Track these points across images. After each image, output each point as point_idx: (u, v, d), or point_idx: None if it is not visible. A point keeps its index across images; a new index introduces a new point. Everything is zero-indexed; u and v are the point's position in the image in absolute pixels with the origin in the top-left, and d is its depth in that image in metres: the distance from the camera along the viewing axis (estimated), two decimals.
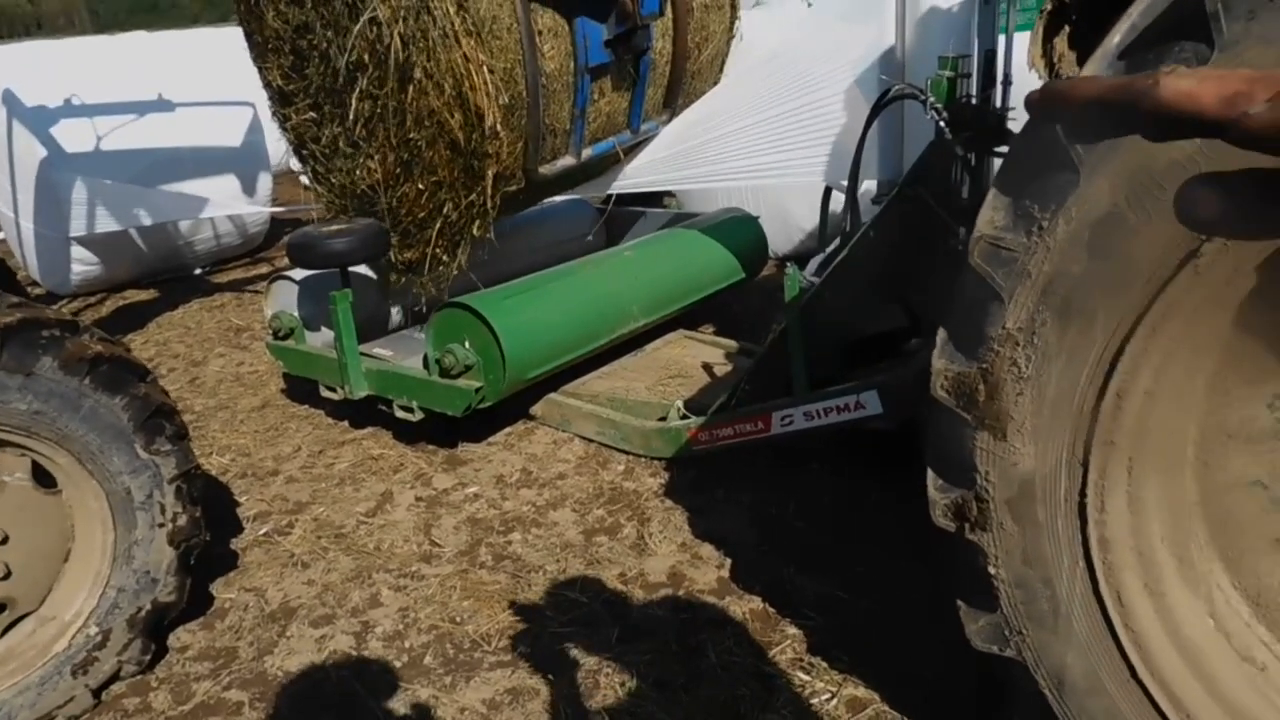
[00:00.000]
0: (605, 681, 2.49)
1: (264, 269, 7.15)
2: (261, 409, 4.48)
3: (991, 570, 1.77)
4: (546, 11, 3.73)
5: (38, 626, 2.51)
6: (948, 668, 2.35)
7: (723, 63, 4.71)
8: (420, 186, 3.83)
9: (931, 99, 3.01)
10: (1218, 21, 1.26)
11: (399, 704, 2.48)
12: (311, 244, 3.78)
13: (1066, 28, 1.64)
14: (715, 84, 4.71)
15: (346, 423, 4.21)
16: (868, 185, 4.30)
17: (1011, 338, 1.60)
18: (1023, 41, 2.54)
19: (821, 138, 4.24)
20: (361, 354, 3.93)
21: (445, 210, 3.86)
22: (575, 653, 2.61)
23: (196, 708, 2.53)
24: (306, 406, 4.42)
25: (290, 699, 2.53)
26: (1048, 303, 1.55)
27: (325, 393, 4.06)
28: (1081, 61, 1.51)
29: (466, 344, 3.63)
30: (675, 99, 4.50)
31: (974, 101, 3.21)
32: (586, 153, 4.22)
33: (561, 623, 2.75)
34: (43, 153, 5.94)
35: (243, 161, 6.95)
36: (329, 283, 3.91)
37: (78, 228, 5.95)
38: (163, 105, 6.60)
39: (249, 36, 4.26)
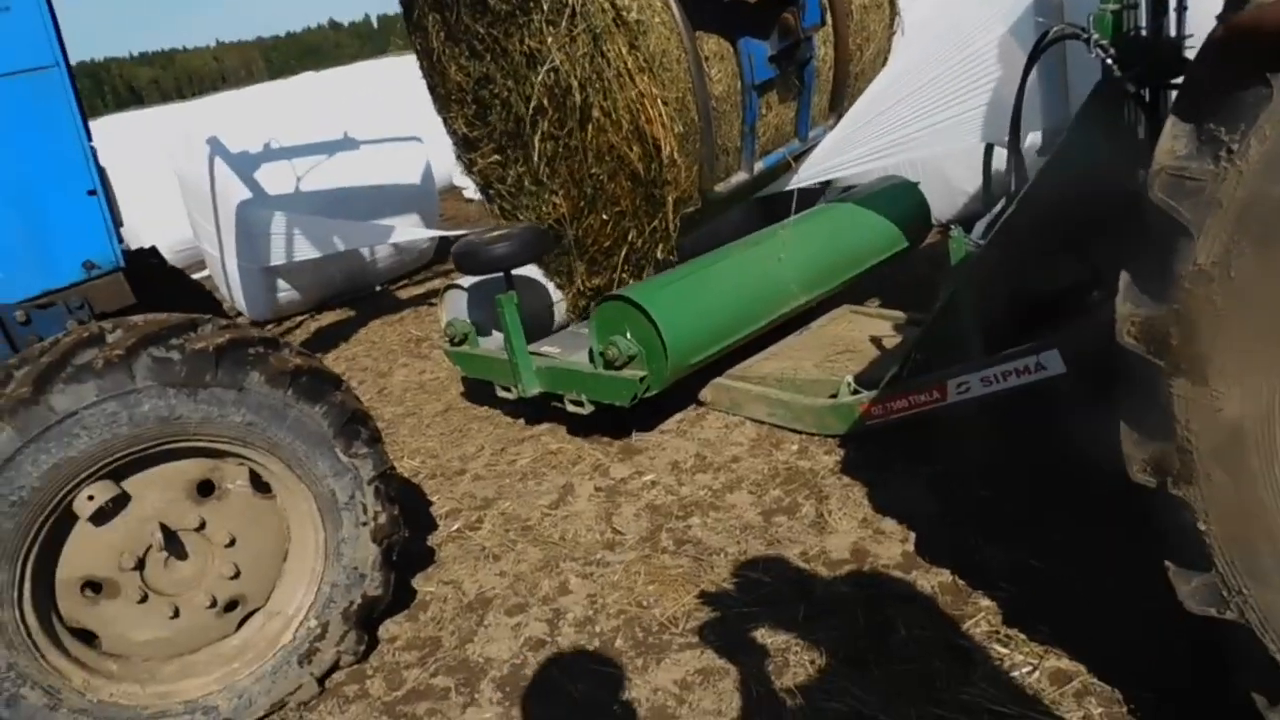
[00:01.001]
0: (794, 659, 2.48)
1: (437, 282, 7.50)
2: (445, 413, 4.72)
3: (1202, 526, 1.65)
4: (711, 37, 3.86)
5: (266, 621, 2.75)
6: (1157, 636, 2.21)
7: (885, 58, 4.69)
8: (604, 217, 4.04)
9: (1095, 36, 2.82)
10: None
11: (594, 686, 2.56)
12: (474, 251, 3.97)
13: None
14: None
15: (524, 421, 4.37)
16: (1032, 138, 4.09)
17: (1205, 274, 1.49)
18: None
19: (977, 95, 4.06)
20: (531, 353, 4.08)
21: (630, 237, 4.05)
22: (762, 632, 2.61)
23: (408, 693, 2.70)
24: (486, 408, 4.62)
25: (492, 684, 2.66)
26: (1244, 231, 1.43)
27: (501, 393, 4.24)
28: None
29: (628, 335, 3.70)
30: (841, 102, 4.54)
31: (1144, 33, 2.99)
32: (758, 166, 4.31)
33: (746, 603, 2.77)
34: (240, 194, 6.49)
35: (412, 188, 7.36)
36: (496, 287, 4.08)
37: (273, 259, 6.46)
38: (340, 143, 7.08)
39: (432, 90, 4.61)
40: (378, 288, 7.48)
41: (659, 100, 3.58)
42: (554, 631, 2.84)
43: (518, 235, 3.99)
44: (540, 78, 3.77)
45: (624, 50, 3.50)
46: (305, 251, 6.54)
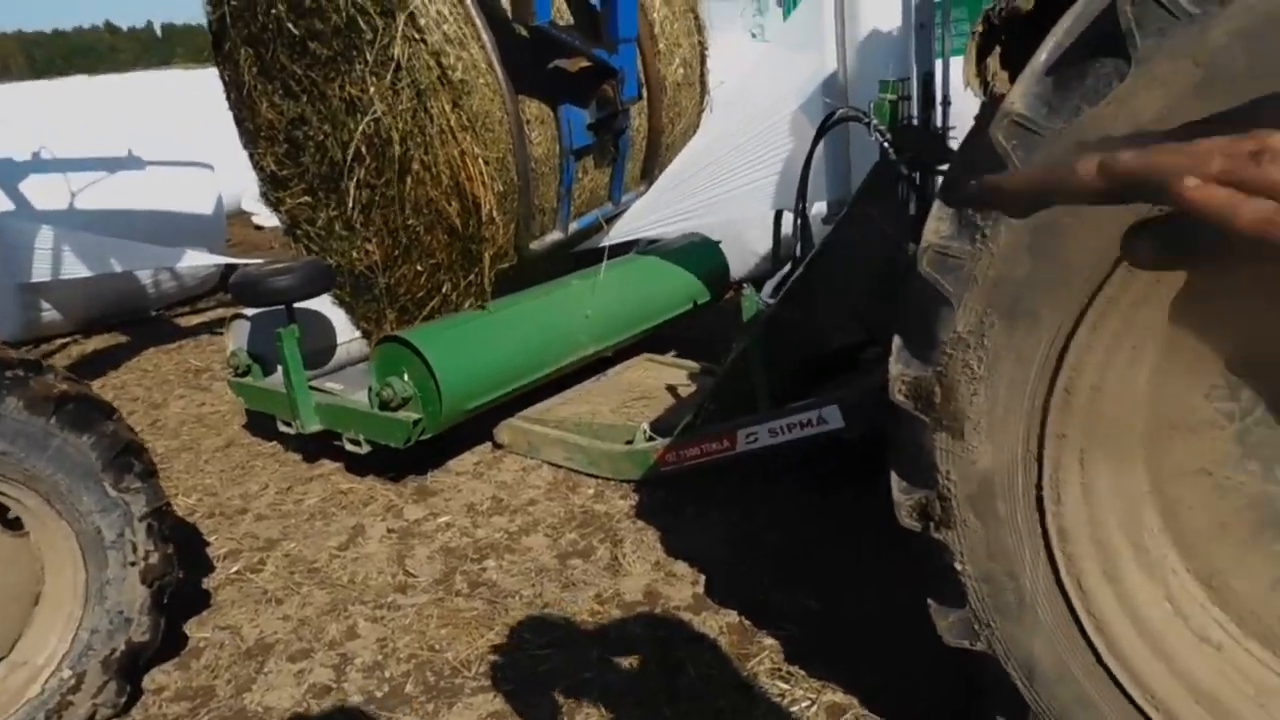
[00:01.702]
0: (587, 700, 2.52)
1: (220, 311, 7.11)
2: (226, 448, 4.46)
3: (958, 566, 1.84)
4: (533, 101, 3.95)
5: (9, 672, 2.48)
6: (923, 671, 2.42)
7: (694, 131, 4.95)
8: (419, 268, 4.04)
9: (874, 121, 3.12)
10: (1132, 39, 1.36)
11: None
12: (253, 283, 3.82)
13: (998, 48, 1.74)
14: None
15: (314, 459, 4.20)
16: (818, 207, 4.42)
17: (963, 340, 1.68)
18: (958, 64, 2.66)
19: (770, 165, 4.38)
20: (313, 388, 3.96)
21: (445, 290, 4.06)
22: (556, 674, 2.63)
23: None
24: (273, 444, 4.40)
25: None
26: (995, 305, 1.63)
27: (282, 427, 4.09)
28: (1013, 79, 1.60)
29: (405, 377, 3.68)
30: (652, 170, 4.75)
31: (915, 122, 3.34)
32: (573, 226, 4.43)
33: (540, 645, 2.78)
34: (1, 202, 5.91)
35: (199, 212, 6.97)
36: (283, 319, 3.93)
37: (35, 274, 5.89)
38: (123, 160, 6.62)
39: (239, 123, 4.46)
40: (154, 313, 6.99)
41: (480, 159, 3.64)
42: (340, 678, 2.73)
43: (300, 269, 3.88)
44: (361, 127, 3.75)
45: (447, 108, 3.54)
46: (74, 269, 6.00)
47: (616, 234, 4.56)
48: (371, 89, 3.62)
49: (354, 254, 4.23)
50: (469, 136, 3.59)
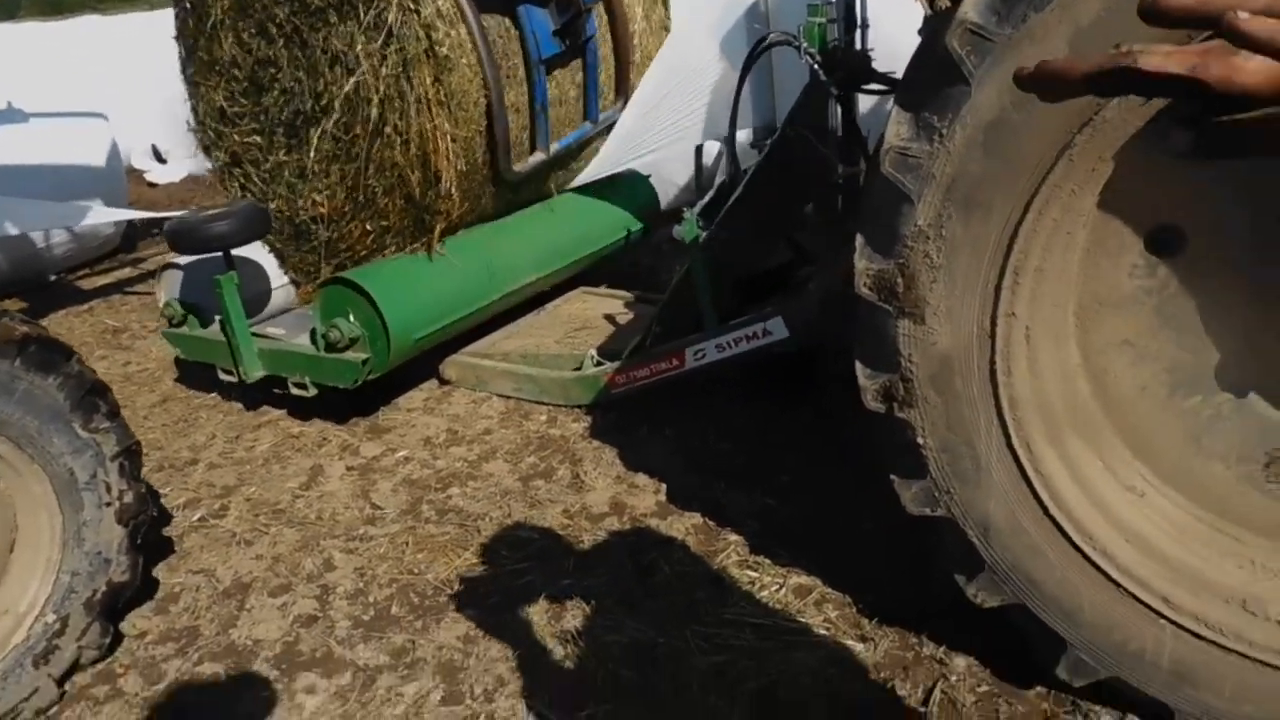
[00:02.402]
0: (570, 606, 2.67)
1: (126, 271, 6.88)
2: (163, 403, 4.40)
3: (919, 440, 2.04)
4: (493, 17, 3.98)
5: None
6: (878, 549, 2.66)
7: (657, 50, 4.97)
8: (368, 227, 4.10)
9: (805, 44, 3.26)
10: None
11: (377, 651, 2.59)
12: (191, 230, 3.78)
13: None
14: None
15: (257, 406, 4.20)
16: (743, 134, 4.57)
17: (923, 233, 1.86)
18: None
19: (696, 102, 4.52)
20: (254, 334, 3.96)
21: (387, 253, 4.12)
22: (536, 585, 2.78)
23: (171, 686, 2.57)
24: (213, 395, 4.37)
25: (266, 662, 2.60)
26: (952, 199, 1.81)
27: (224, 376, 4.07)
28: None
29: (350, 318, 3.72)
30: (626, 86, 4.74)
31: (840, 45, 3.49)
32: (554, 147, 4.42)
33: (517, 560, 2.91)
34: None
35: (96, 168, 6.66)
36: (217, 267, 3.90)
37: None
38: (5, 112, 6.26)
39: (191, 52, 4.35)
40: (53, 277, 6.71)
41: (449, 136, 3.75)
42: (325, 606, 2.82)
43: (238, 213, 3.85)
44: (344, 84, 3.79)
45: (428, 81, 3.65)
46: None
47: (592, 171, 4.62)
48: (359, 48, 3.68)
49: (299, 202, 4.22)
50: (443, 113, 3.71)
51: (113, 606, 2.65)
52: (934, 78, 1.78)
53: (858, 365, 2.09)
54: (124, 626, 2.79)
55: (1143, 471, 2.06)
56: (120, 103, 8.28)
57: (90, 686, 2.59)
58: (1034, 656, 2.17)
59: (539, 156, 4.35)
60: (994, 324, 1.88)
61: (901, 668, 2.34)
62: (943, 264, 1.86)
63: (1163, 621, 1.98)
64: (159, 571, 3.06)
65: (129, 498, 2.61)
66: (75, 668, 2.59)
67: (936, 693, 2.25)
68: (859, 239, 1.99)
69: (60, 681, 2.55)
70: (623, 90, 4.77)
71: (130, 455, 2.63)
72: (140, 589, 2.81)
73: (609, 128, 4.73)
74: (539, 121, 4.29)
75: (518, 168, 4.22)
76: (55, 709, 2.50)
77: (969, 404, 1.96)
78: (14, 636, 2.48)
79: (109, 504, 2.57)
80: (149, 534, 3.02)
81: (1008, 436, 1.96)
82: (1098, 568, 1.99)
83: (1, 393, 2.35)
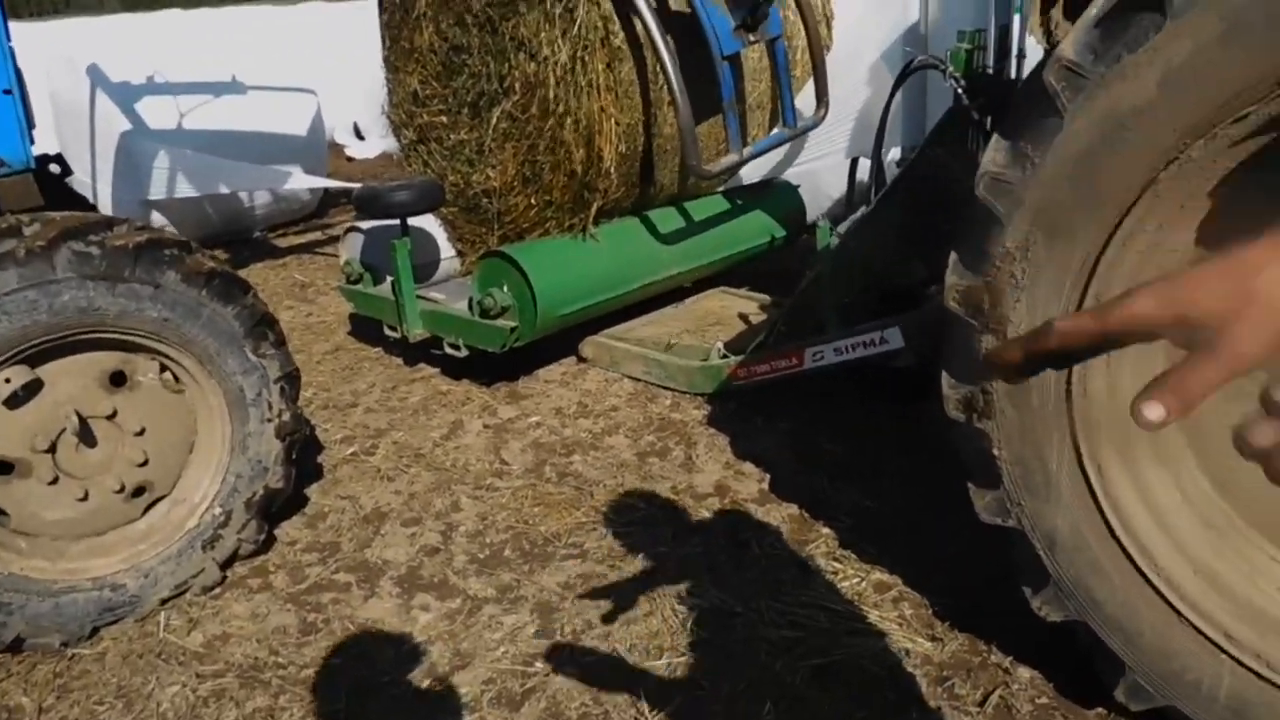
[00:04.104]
0: (663, 569, 2.90)
1: (317, 234, 7.58)
2: (334, 352, 4.91)
3: (995, 452, 2.15)
4: (679, 17, 4.14)
5: (171, 508, 2.93)
6: (961, 559, 2.75)
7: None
8: (532, 201, 4.45)
9: (950, 69, 3.36)
10: None
11: (485, 585, 2.90)
12: (376, 197, 4.22)
13: (1060, 1, 2.00)
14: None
15: (414, 363, 4.64)
16: (894, 153, 4.66)
17: (1010, 254, 1.98)
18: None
19: (847, 114, 4.62)
20: (418, 296, 4.37)
21: (548, 226, 4.47)
22: (636, 547, 3.02)
23: (311, 586, 2.96)
24: (377, 349, 4.85)
25: (391, 580, 2.95)
26: (1039, 225, 1.92)
27: (388, 332, 4.53)
28: None
29: (504, 288, 4.07)
30: (824, 91, 4.69)
31: (989, 72, 3.56)
32: (747, 150, 4.45)
33: (622, 525, 3.16)
34: (123, 124, 6.40)
35: (301, 137, 7.39)
36: (394, 232, 4.34)
37: (153, 192, 6.40)
38: (227, 85, 7.05)
39: (395, 40, 4.86)
40: (256, 234, 7.48)
41: (613, 119, 4.08)
42: (447, 541, 3.15)
43: (416, 186, 4.27)
44: (525, 67, 4.18)
45: (601, 68, 3.99)
46: (187, 188, 6.50)
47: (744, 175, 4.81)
48: (543, 34, 4.05)
49: (475, 176, 4.63)
50: (611, 98, 4.04)
51: (268, 508, 3.06)
52: (1031, 109, 1.90)
53: (943, 375, 2.21)
54: (278, 534, 3.22)
55: (1224, 509, 2.10)
56: (331, 83, 9.11)
57: (247, 577, 3.01)
58: (1097, 677, 2.23)
59: (732, 158, 4.35)
60: None
61: (965, 670, 2.44)
62: (1027, 285, 1.97)
63: (1223, 656, 2.02)
64: (312, 493, 3.48)
65: (287, 416, 3.00)
66: (235, 557, 3.02)
67: (995, 697, 2.34)
68: (952, 256, 2.12)
69: (223, 566, 2.98)
70: (822, 97, 4.71)
71: (290, 380, 3.02)
72: (294, 504, 3.24)
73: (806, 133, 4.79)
74: (728, 119, 4.27)
75: (709, 167, 4.26)
76: (217, 590, 2.93)
77: (1042, 421, 2.06)
78: (188, 521, 2.92)
79: (270, 420, 2.98)
80: (308, 460, 3.47)
81: (1079, 455, 2.04)
82: (1160, 595, 2.05)
83: (190, 316, 2.77)
